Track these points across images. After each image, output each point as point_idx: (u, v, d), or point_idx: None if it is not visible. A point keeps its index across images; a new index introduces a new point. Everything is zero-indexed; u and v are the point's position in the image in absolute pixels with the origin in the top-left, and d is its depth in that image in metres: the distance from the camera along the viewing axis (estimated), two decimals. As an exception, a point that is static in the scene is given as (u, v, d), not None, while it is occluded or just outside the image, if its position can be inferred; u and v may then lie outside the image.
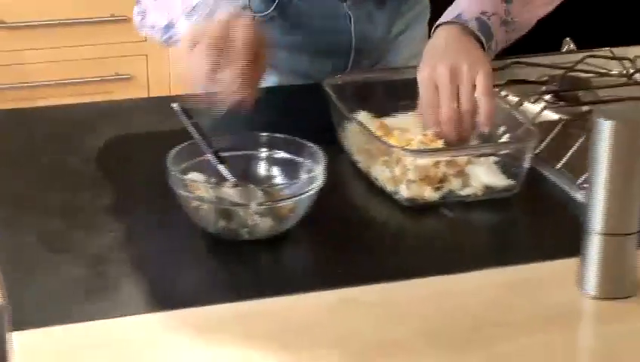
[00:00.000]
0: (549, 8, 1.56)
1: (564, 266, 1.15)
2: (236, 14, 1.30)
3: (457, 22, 1.44)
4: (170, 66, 2.78)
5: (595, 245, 1.09)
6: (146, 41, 2.79)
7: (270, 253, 1.20)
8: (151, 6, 1.47)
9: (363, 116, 1.41)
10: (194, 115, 1.28)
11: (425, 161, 1.30)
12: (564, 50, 1.74)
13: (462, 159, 1.32)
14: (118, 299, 1.11)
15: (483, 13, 1.45)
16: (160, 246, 1.21)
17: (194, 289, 1.15)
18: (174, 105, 1.30)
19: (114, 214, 1.27)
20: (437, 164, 1.31)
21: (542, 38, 1.74)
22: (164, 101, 1.35)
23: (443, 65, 1.37)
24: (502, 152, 1.34)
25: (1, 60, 2.72)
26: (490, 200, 1.31)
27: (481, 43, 1.44)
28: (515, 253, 1.22)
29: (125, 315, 1.08)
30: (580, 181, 1.29)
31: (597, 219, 1.08)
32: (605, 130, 1.05)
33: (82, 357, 1.02)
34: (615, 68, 1.66)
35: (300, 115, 1.50)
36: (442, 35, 1.45)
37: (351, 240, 1.24)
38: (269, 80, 1.65)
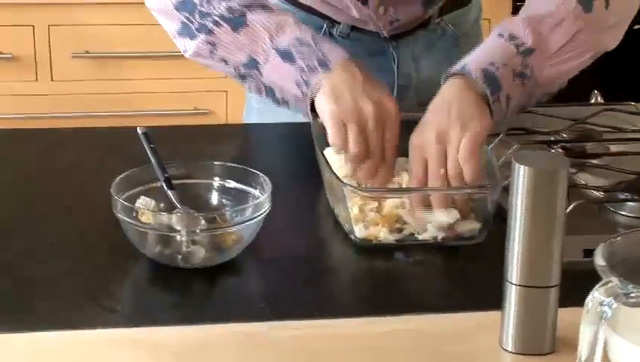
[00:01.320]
0: (580, 63, 1.46)
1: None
2: (380, 88, 1.35)
3: (461, 73, 1.39)
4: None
5: (513, 297, 1.04)
6: (226, 77, 2.84)
7: (207, 282, 1.20)
8: (226, 39, 1.43)
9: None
10: (154, 141, 1.29)
11: (385, 202, 1.27)
12: (590, 102, 1.68)
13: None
14: (46, 316, 1.12)
15: (491, 64, 1.38)
16: (101, 266, 1.22)
17: (123, 311, 1.15)
18: (138, 130, 1.31)
19: (57, 233, 1.29)
20: (398, 206, 1.28)
21: (572, 90, 1.69)
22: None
23: (431, 131, 1.31)
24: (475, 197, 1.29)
25: (83, 89, 2.80)
26: (451, 246, 1.27)
27: (485, 96, 1.36)
28: (456, 300, 1.17)
29: (53, 330, 1.08)
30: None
31: (514, 270, 1.03)
32: (522, 175, 1.00)
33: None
34: (636, 122, 1.59)
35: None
36: (444, 90, 1.38)
37: (292, 276, 1.22)
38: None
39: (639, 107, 1.62)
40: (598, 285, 0.96)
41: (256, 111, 1.73)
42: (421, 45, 1.66)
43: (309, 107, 1.39)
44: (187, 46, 1.47)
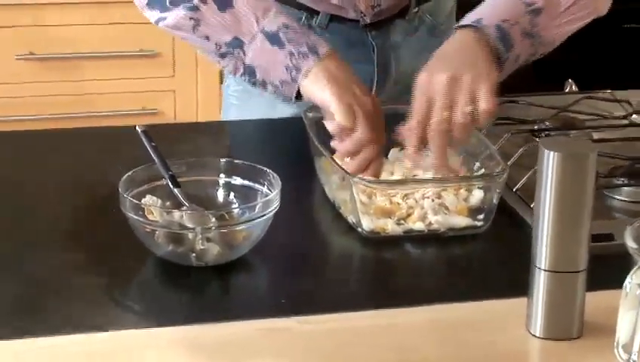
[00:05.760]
0: (581, 24, 1.49)
1: (518, 305, 1.10)
2: (363, 86, 1.36)
3: (476, 26, 1.39)
4: (197, 100, 2.80)
5: (541, 283, 1.04)
6: (174, 76, 2.82)
7: (220, 279, 1.18)
8: (211, 17, 1.41)
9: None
10: (155, 139, 1.27)
11: (388, 192, 1.27)
12: (566, 91, 1.70)
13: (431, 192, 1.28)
14: (59, 319, 1.09)
15: (504, 21, 1.40)
16: (109, 269, 1.19)
17: (138, 312, 1.13)
18: (138, 128, 1.29)
19: (66, 235, 1.26)
20: (404, 196, 1.28)
21: (545, 78, 1.70)
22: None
23: (443, 73, 1.32)
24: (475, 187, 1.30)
25: (29, 91, 2.75)
26: (458, 236, 1.27)
27: (498, 52, 1.38)
28: (471, 290, 1.17)
29: (67, 334, 1.06)
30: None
31: (542, 255, 1.04)
32: (551, 161, 1.01)
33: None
34: (615, 110, 1.61)
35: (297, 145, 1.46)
36: (456, 40, 1.40)
37: (303, 270, 1.21)
38: (288, 111, 1.63)
39: (615, 94, 1.65)
40: (634, 269, 0.97)
41: (234, 107, 1.71)
42: (400, 35, 1.65)
43: (295, 92, 1.38)
44: (161, 18, 1.44)
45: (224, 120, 1.74)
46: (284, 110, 1.61)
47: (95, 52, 2.75)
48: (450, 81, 1.31)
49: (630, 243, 0.99)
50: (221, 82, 2.83)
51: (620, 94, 1.65)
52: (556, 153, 1.00)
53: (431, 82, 1.32)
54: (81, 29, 2.73)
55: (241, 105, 1.69)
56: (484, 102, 1.30)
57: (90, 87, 2.77)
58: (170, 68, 2.80)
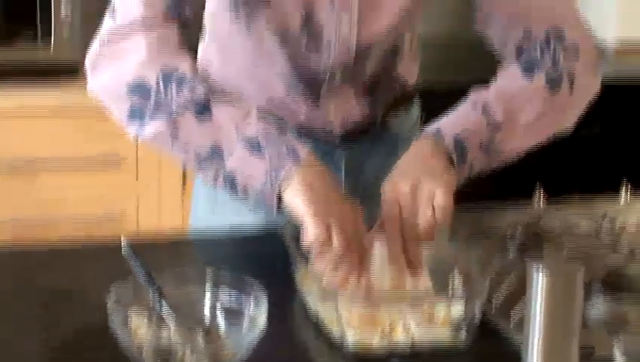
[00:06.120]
0: (541, 140, 1.55)
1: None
2: (343, 197, 1.39)
3: (433, 137, 1.46)
4: (160, 205, 2.80)
5: (532, 398, 1.06)
6: (137, 180, 2.82)
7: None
8: (190, 129, 1.42)
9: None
10: (138, 251, 1.27)
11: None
12: (536, 195, 1.73)
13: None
14: None
15: (462, 132, 1.46)
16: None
17: None
18: (122, 239, 1.29)
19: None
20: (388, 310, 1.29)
21: (513, 181, 1.75)
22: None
23: (405, 183, 1.39)
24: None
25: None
26: (441, 350, 1.29)
27: (452, 161, 1.44)
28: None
29: None
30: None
31: (533, 371, 1.05)
32: (539, 280, 1.03)
33: None
34: (583, 221, 1.65)
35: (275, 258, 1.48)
36: (415, 150, 1.46)
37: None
38: (260, 215, 1.63)
39: (584, 204, 1.69)
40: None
41: (205, 212, 1.71)
42: (367, 146, 1.68)
43: (276, 199, 1.39)
44: (140, 130, 1.45)
45: (199, 229, 1.73)
46: (257, 214, 1.61)
47: (55, 157, 2.74)
48: (411, 190, 1.38)
49: (619, 359, 1.01)
50: (183, 187, 2.87)
51: (588, 204, 1.69)
52: (544, 272, 1.03)
53: (394, 191, 1.39)
54: (43, 136, 2.73)
55: (212, 209, 1.69)
56: (442, 202, 1.37)
57: (50, 192, 2.76)
58: (133, 173, 2.81)
